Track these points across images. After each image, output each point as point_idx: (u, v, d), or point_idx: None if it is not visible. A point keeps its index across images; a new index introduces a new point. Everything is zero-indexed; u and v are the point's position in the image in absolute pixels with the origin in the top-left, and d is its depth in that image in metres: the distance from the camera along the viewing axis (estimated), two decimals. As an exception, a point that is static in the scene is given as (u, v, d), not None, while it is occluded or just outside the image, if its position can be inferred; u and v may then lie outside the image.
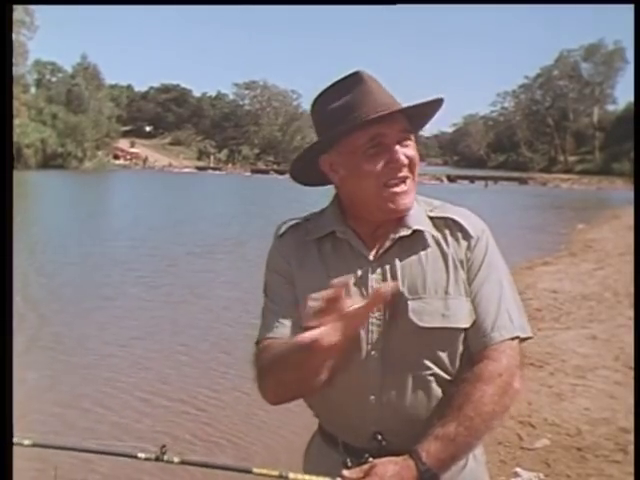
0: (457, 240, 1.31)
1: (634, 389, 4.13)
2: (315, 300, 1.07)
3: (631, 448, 3.67)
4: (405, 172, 1.27)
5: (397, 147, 1.26)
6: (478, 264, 1.30)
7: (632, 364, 5.22)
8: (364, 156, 1.26)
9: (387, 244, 1.30)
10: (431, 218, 1.33)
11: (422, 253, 1.30)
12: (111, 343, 6.78)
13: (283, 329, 1.30)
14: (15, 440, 1.26)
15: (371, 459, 1.19)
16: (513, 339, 1.27)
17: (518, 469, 3.60)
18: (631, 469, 3.23)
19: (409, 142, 1.29)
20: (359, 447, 1.28)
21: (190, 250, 13.65)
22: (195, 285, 10.13)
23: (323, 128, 1.31)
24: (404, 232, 1.30)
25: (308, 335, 1.05)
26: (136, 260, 12.41)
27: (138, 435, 4.50)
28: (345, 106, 1.27)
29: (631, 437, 3.80)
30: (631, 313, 7.11)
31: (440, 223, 1.32)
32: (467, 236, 1.31)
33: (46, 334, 7.07)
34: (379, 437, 1.26)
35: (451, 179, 55.75)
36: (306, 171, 1.39)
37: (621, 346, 5.94)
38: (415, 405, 1.27)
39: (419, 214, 1.33)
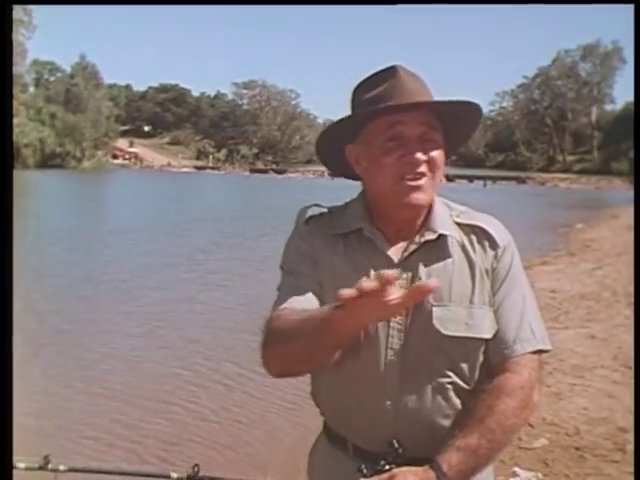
0: (484, 249, 1.28)
1: (633, 388, 4.13)
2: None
3: (629, 447, 3.68)
4: (423, 169, 1.22)
5: (416, 142, 1.22)
6: (503, 275, 1.27)
7: (630, 363, 5.23)
8: (382, 148, 1.23)
9: (412, 247, 1.27)
10: (457, 224, 1.30)
11: (449, 259, 1.27)
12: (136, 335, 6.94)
13: (302, 301, 1.23)
14: (51, 466, 1.26)
15: (388, 467, 1.16)
16: (534, 352, 1.25)
17: (517, 469, 3.60)
18: (629, 468, 3.24)
19: (433, 141, 1.24)
20: (370, 451, 1.26)
21: (208, 243, 14.04)
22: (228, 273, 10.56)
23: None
24: (430, 236, 1.27)
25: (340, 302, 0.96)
26: (154, 254, 12.74)
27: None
28: (373, 98, 1.24)
29: (629, 436, 3.81)
30: (629, 312, 7.12)
31: (467, 230, 1.29)
32: (494, 245, 1.28)
33: (58, 331, 7.09)
34: (395, 444, 1.22)
35: (449, 179, 55.60)
36: (333, 159, 1.36)
37: (619, 345, 5.94)
38: (432, 412, 1.25)
39: (445, 218, 1.30)
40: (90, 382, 5.47)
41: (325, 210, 1.38)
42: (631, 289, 7.95)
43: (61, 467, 1.27)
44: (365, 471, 1.15)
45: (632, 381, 4.64)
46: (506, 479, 3.48)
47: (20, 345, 6.12)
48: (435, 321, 1.23)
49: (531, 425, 4.16)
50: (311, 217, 1.36)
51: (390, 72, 1.25)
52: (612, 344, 6.05)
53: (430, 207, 1.29)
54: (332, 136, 1.31)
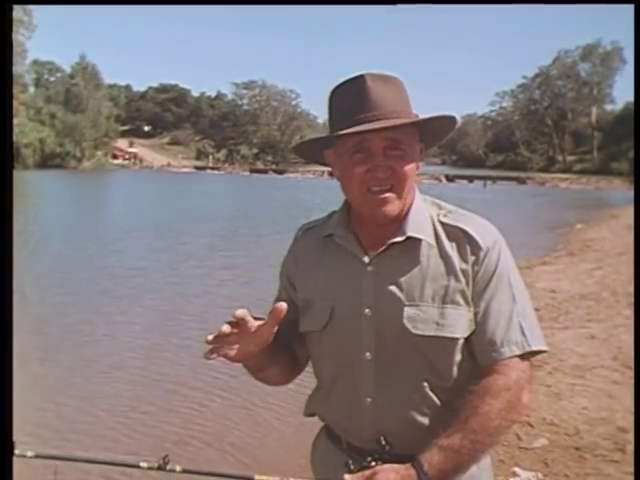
0: (464, 251, 1.28)
1: (633, 388, 4.13)
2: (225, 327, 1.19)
3: (629, 447, 3.68)
4: (389, 182, 1.25)
5: (381, 155, 1.25)
6: (488, 277, 1.28)
7: (630, 363, 5.23)
8: (350, 160, 1.27)
9: (381, 248, 1.30)
10: (442, 224, 1.31)
11: (423, 260, 1.29)
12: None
13: None
14: (17, 452, 1.25)
15: (373, 463, 1.19)
16: (524, 355, 1.25)
17: (517, 469, 3.61)
18: (629, 468, 3.24)
19: (400, 150, 1.26)
20: (363, 448, 1.29)
21: (215, 241, 14.37)
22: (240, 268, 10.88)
23: (329, 125, 1.33)
24: (398, 238, 1.29)
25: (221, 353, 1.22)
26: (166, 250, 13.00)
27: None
28: (343, 109, 1.28)
29: (629, 436, 3.81)
30: (629, 312, 7.11)
31: (450, 231, 1.30)
32: (476, 249, 1.28)
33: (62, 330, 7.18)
34: (382, 441, 1.25)
35: (449, 179, 55.77)
36: (315, 158, 1.41)
37: (619, 345, 5.94)
38: (410, 409, 1.28)
39: (422, 220, 1.31)
40: (109, 371, 5.70)
41: (319, 221, 1.44)
42: (631, 289, 7.95)
43: (28, 453, 1.26)
44: (352, 467, 1.18)
45: (632, 381, 4.65)
46: (506, 479, 3.48)
47: (40, 337, 6.57)
48: (405, 320, 1.26)
49: (531, 425, 4.16)
50: (304, 232, 1.44)
51: (358, 82, 1.27)
52: (612, 344, 6.05)
53: (408, 210, 1.32)
54: (310, 146, 1.38)
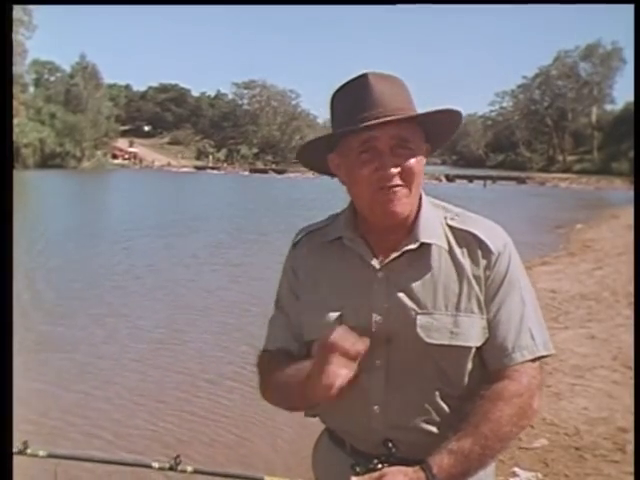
0: (476, 256, 1.26)
1: (633, 389, 4.13)
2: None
3: (629, 447, 3.68)
4: (397, 181, 1.22)
5: (389, 154, 1.21)
6: (499, 281, 1.25)
7: (630, 364, 5.23)
8: (357, 160, 1.23)
9: (394, 254, 1.26)
10: (451, 228, 1.28)
11: (435, 266, 1.26)
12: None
13: (286, 343, 1.35)
14: (30, 451, 1.25)
15: (380, 465, 1.18)
16: (534, 359, 1.25)
17: (516, 469, 3.60)
18: (629, 468, 3.24)
19: (407, 149, 1.23)
20: (367, 452, 1.27)
21: (219, 239, 14.65)
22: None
23: (332, 126, 1.30)
24: (411, 245, 1.26)
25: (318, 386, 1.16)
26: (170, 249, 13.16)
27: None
28: (347, 109, 1.25)
29: (629, 436, 3.81)
30: (629, 313, 7.11)
31: (459, 235, 1.27)
32: (487, 253, 1.26)
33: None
34: (389, 444, 1.23)
35: (450, 179, 55.75)
36: (318, 165, 1.38)
37: (619, 346, 5.94)
38: (420, 417, 1.26)
39: (433, 224, 1.28)
40: (127, 363, 5.90)
41: (319, 224, 1.40)
42: (631, 289, 7.95)
43: (41, 453, 1.26)
44: (358, 469, 1.17)
45: (632, 381, 4.65)
46: (506, 479, 3.48)
47: (59, 330, 6.79)
48: (419, 329, 1.23)
49: (531, 425, 4.15)
50: (303, 236, 1.39)
51: (361, 81, 1.25)
52: (612, 344, 6.06)
53: (417, 214, 1.29)
54: (313, 148, 1.33)
